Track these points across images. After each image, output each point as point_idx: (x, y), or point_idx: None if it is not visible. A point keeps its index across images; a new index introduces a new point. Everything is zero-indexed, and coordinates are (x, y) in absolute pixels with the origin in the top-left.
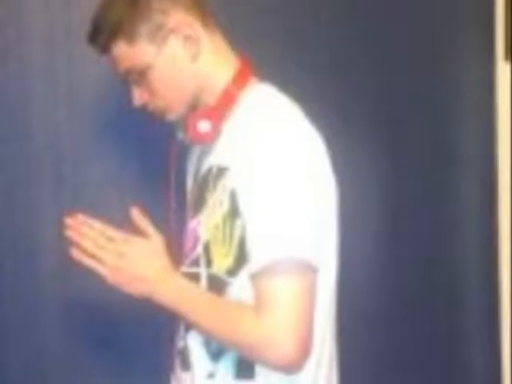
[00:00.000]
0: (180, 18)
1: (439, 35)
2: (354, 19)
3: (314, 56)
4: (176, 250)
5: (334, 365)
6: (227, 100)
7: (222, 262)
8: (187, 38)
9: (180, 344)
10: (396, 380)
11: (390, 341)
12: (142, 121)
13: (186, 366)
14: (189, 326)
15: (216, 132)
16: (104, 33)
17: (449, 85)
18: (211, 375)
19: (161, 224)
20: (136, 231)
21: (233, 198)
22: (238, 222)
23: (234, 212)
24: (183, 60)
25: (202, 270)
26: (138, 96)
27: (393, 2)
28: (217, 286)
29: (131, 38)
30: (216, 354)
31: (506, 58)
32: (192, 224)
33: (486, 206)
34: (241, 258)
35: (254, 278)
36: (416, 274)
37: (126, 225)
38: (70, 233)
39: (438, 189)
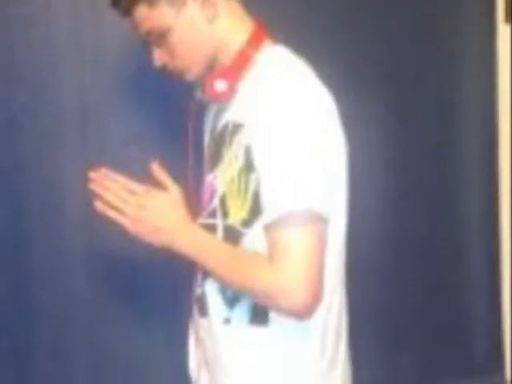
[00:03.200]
0: None
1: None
2: None
3: (326, 19)
4: (194, 202)
5: (343, 311)
6: (242, 60)
7: (237, 213)
8: (205, 1)
9: (198, 291)
10: (400, 324)
11: (396, 289)
12: (162, 81)
13: (204, 312)
14: (206, 274)
15: (232, 91)
16: None
17: (451, 47)
18: (227, 321)
19: (179, 178)
20: (156, 184)
21: (248, 153)
22: (253, 176)
23: (248, 166)
24: (201, 22)
25: (219, 222)
26: (158, 57)
27: None
28: (232, 236)
29: (152, 2)
30: (231, 300)
31: (507, 21)
32: (209, 178)
33: (487, 162)
34: (255, 210)
35: (268, 228)
36: (420, 227)
37: (147, 179)
38: (93, 186)
39: (442, 145)
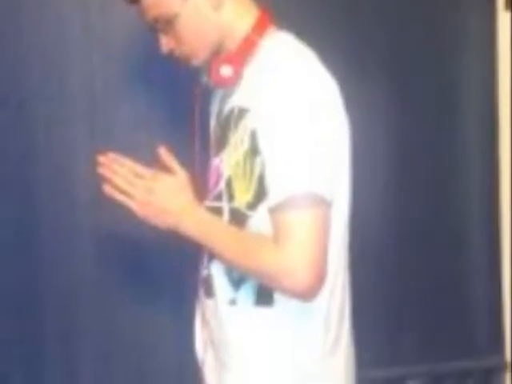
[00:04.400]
0: None
1: None
2: None
3: (329, 6)
4: (200, 185)
5: (346, 293)
6: (248, 46)
7: (242, 196)
8: None
9: (204, 273)
10: (402, 305)
11: (398, 271)
12: (169, 66)
13: (210, 293)
14: (212, 256)
15: (237, 76)
16: None
17: (452, 34)
18: (233, 302)
19: (186, 162)
20: (163, 168)
21: (253, 137)
22: (258, 160)
23: (254, 150)
24: (207, 9)
25: (225, 204)
26: (165, 43)
27: None
28: (238, 219)
29: None
30: (237, 281)
31: (507, 8)
32: (215, 162)
33: (488, 147)
34: (260, 193)
35: (272, 211)
36: (423, 210)
37: (154, 163)
38: (102, 170)
39: (444, 131)
